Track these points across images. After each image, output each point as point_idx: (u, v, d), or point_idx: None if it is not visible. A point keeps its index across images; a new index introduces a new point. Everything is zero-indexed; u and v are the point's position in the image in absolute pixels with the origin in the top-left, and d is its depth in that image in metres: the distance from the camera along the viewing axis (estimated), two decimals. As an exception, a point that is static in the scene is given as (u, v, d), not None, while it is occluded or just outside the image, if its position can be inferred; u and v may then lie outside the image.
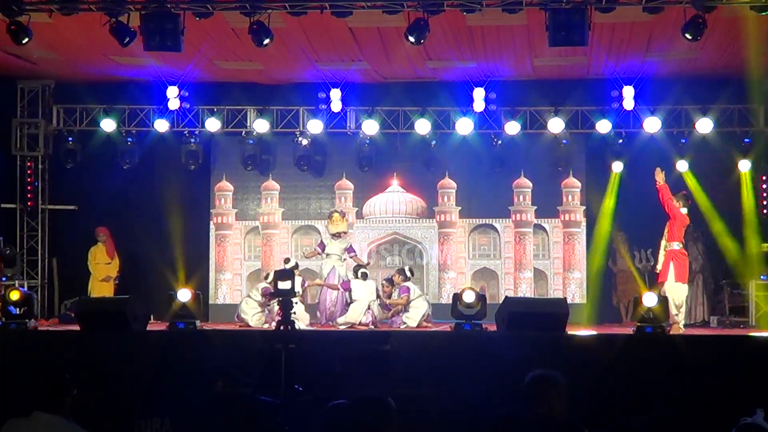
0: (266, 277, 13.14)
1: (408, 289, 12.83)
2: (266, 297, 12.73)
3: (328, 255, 13.14)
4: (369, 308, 12.60)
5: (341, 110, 14.29)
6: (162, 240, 14.85)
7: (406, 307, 12.75)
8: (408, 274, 13.07)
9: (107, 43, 11.14)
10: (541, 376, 4.85)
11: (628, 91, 13.61)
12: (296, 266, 12.85)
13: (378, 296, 12.95)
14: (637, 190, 13.71)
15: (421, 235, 15.54)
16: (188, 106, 14.46)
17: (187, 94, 14.23)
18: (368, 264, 13.52)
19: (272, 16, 10.71)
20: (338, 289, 12.88)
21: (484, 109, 13.93)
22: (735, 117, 14.17)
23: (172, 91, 14.06)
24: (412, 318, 12.58)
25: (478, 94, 13.77)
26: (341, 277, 13.02)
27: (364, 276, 12.84)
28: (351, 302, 12.74)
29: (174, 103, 14.12)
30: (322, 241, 13.55)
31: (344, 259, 13.19)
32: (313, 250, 13.66)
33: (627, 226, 14.41)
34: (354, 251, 13.49)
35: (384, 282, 13.23)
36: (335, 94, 13.97)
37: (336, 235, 13.25)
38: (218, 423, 9.04)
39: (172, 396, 9.18)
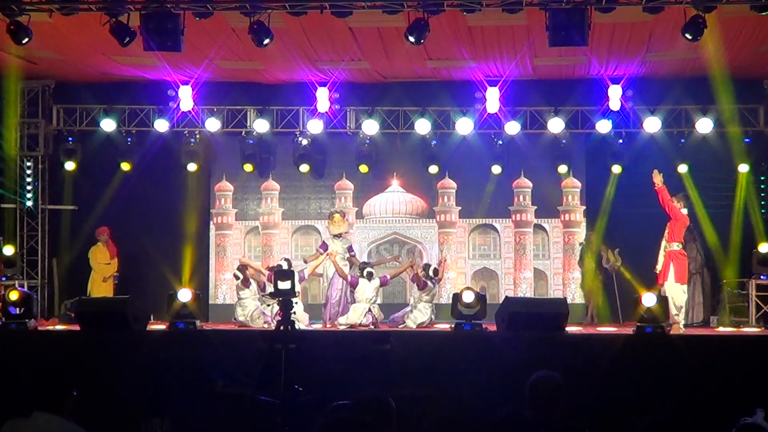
0: (237, 277, 13.07)
1: (426, 285, 12.69)
2: (259, 287, 12.74)
3: (330, 255, 13.10)
4: (369, 310, 12.57)
5: (341, 110, 14.30)
6: (162, 240, 14.86)
7: (411, 307, 12.72)
8: (431, 273, 12.93)
9: (107, 43, 11.14)
10: (545, 378, 4.84)
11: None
12: (289, 264, 12.77)
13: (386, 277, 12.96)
14: (638, 190, 13.76)
15: (421, 235, 15.54)
16: (190, 107, 14.41)
17: (191, 93, 14.20)
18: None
19: (272, 16, 10.70)
20: (347, 280, 12.79)
21: (484, 109, 13.92)
22: (735, 117, 14.16)
23: (182, 92, 14.02)
24: (413, 320, 12.54)
25: (492, 94, 13.70)
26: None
27: (370, 275, 12.79)
28: (353, 302, 12.71)
29: (187, 104, 14.05)
30: (324, 242, 13.48)
31: (346, 258, 13.16)
32: (315, 253, 13.56)
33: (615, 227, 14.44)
34: (353, 251, 13.48)
35: (421, 267, 13.08)
36: (322, 93, 13.90)
37: (337, 236, 13.23)
38: (218, 423, 9.05)
39: (172, 396, 9.19)
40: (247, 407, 8.80)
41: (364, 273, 12.71)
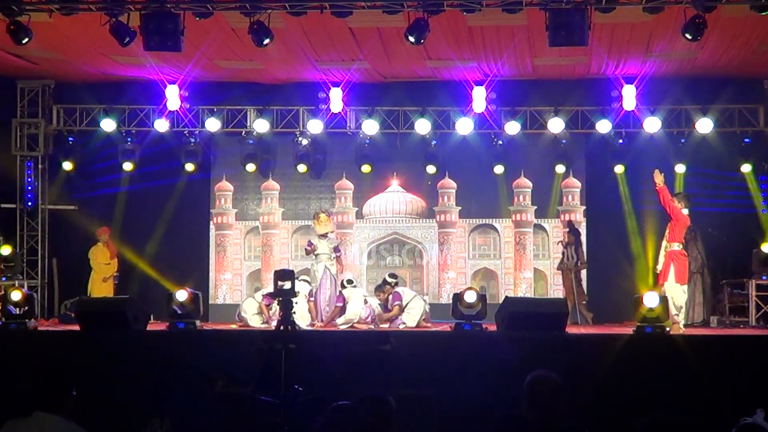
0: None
1: (399, 295, 12.72)
2: (265, 299, 12.71)
3: (317, 255, 12.97)
4: (366, 302, 12.59)
5: (341, 110, 14.29)
6: (162, 240, 14.85)
7: (402, 310, 12.71)
8: (390, 280, 12.90)
9: (107, 43, 11.15)
10: (543, 378, 4.84)
11: (628, 91, 13.59)
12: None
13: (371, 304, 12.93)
14: (638, 189, 13.79)
15: (421, 235, 15.54)
16: (188, 106, 14.47)
17: (187, 93, 14.22)
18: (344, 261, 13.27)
19: (272, 16, 10.71)
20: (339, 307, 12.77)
21: (485, 109, 13.91)
22: (735, 117, 14.17)
23: (172, 91, 14.03)
24: (411, 318, 12.53)
25: (478, 93, 13.74)
26: (333, 276, 12.87)
27: (350, 282, 12.85)
28: (343, 302, 12.69)
29: (174, 103, 14.09)
30: (309, 241, 13.31)
31: (333, 258, 13.03)
32: (307, 251, 13.42)
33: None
34: (340, 251, 13.25)
35: (375, 291, 13.09)
36: (335, 94, 13.95)
37: (323, 236, 13.12)
38: (218, 423, 9.05)
39: (172, 396, 9.18)
40: (247, 407, 8.79)
41: (345, 284, 12.74)
